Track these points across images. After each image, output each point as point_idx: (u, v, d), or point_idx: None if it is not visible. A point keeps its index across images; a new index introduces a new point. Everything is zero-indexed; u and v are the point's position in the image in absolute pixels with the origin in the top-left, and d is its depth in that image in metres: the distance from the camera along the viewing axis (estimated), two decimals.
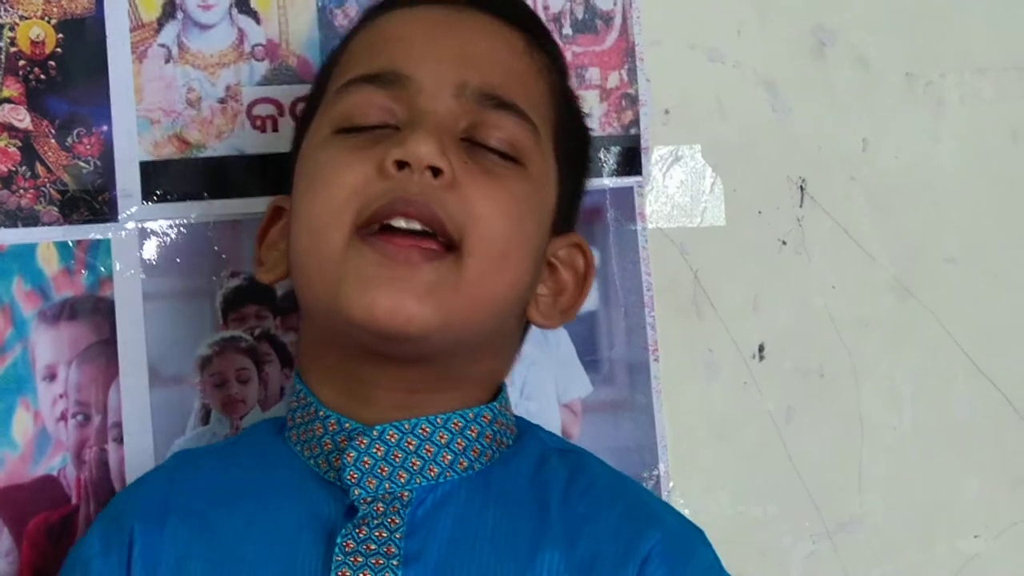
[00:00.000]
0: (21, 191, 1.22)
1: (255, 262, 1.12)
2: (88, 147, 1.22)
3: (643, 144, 1.30)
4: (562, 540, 0.99)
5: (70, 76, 1.22)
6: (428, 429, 1.01)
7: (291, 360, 1.23)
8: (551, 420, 1.22)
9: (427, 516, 0.99)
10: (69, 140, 1.22)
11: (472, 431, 1.02)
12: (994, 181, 1.35)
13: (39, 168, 1.22)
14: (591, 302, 1.24)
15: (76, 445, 1.21)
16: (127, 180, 1.22)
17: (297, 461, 1.03)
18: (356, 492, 0.98)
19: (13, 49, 1.21)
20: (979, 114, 1.35)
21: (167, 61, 1.23)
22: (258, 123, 1.24)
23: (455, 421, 1.01)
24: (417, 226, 0.97)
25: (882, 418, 1.33)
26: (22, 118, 1.21)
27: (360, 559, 0.97)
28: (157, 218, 1.23)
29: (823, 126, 1.33)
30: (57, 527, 1.20)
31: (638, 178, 1.29)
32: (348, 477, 0.99)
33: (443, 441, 1.01)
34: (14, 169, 1.21)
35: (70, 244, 1.22)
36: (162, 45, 1.23)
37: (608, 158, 1.28)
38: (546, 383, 1.18)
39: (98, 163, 1.22)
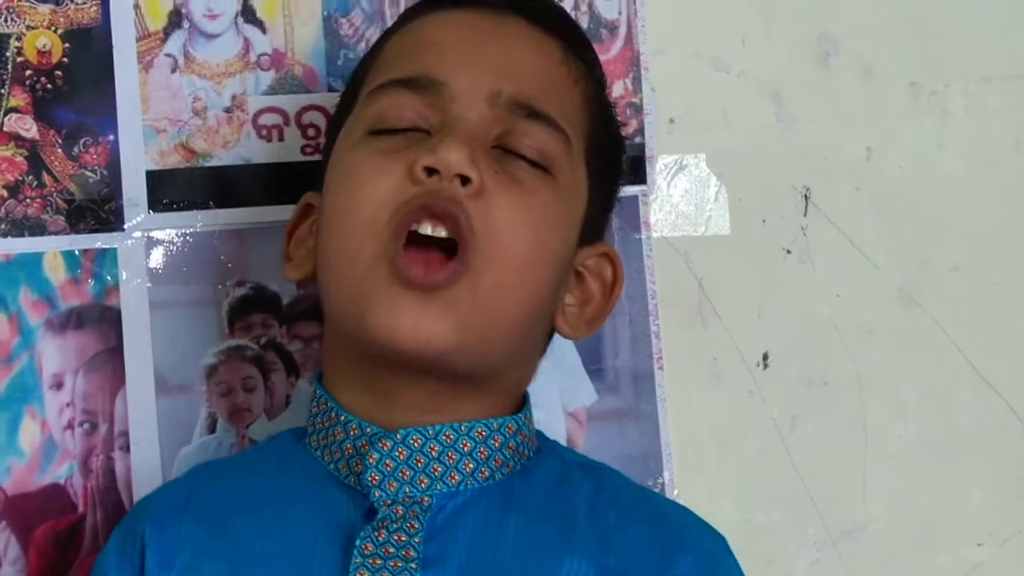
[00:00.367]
0: (28, 200, 1.21)
1: (283, 257, 1.11)
2: (94, 156, 1.22)
3: (648, 153, 1.29)
4: (593, 548, 0.99)
5: (76, 86, 1.21)
6: (452, 436, 1.00)
7: (297, 369, 1.23)
8: (556, 429, 1.22)
9: (447, 522, 0.99)
10: (76, 149, 1.21)
11: (495, 441, 1.02)
12: (998, 190, 1.36)
13: (46, 177, 1.21)
14: None
15: (83, 453, 1.20)
16: (133, 189, 1.22)
17: (317, 466, 1.03)
18: (376, 494, 0.98)
19: (20, 59, 1.21)
20: (983, 123, 1.35)
21: (173, 71, 1.23)
22: (264, 132, 1.24)
23: (479, 430, 1.01)
24: (443, 232, 0.97)
25: (886, 426, 1.33)
26: (29, 128, 1.21)
27: (379, 561, 0.96)
28: (163, 227, 1.22)
29: (827, 135, 1.33)
30: (64, 535, 1.20)
31: (643, 187, 1.29)
32: (369, 479, 0.98)
33: (466, 449, 1.01)
34: (21, 179, 1.21)
35: (77, 253, 1.21)
36: (168, 55, 1.23)
37: None
38: (551, 392, 1.17)
39: (104, 172, 1.22)
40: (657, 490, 1.26)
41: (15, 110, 1.20)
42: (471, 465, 1.00)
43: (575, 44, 1.09)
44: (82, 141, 1.21)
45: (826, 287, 1.32)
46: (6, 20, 1.20)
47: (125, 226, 1.21)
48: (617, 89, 1.26)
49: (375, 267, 0.98)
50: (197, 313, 1.22)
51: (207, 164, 1.23)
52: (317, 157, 1.19)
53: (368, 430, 1.00)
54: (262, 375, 1.23)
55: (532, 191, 1.00)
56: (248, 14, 1.24)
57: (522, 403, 1.06)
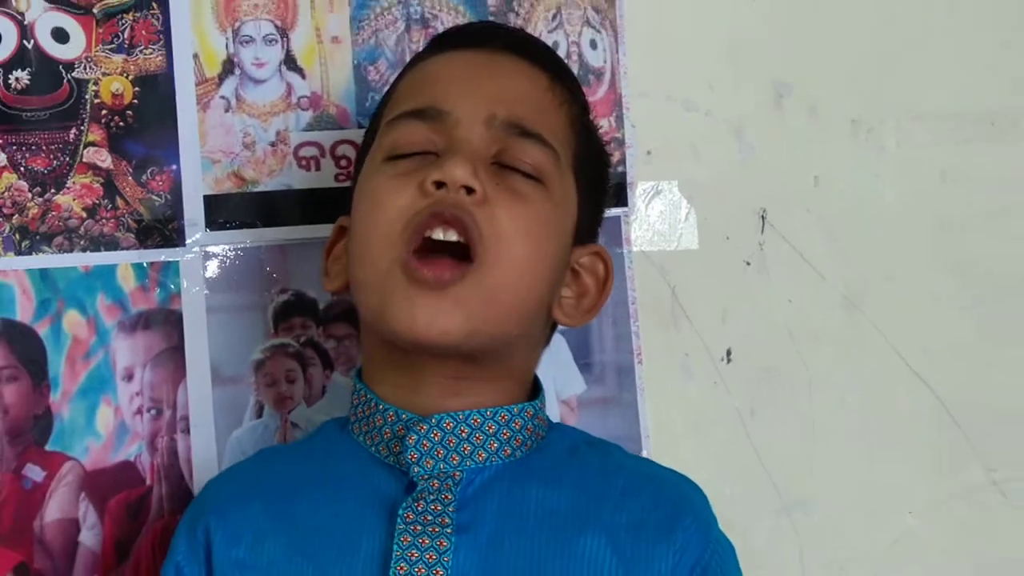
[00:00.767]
0: (103, 220, 1.25)
1: (322, 272, 1.13)
2: (160, 183, 1.25)
3: (629, 180, 1.32)
4: (607, 510, 1.01)
5: (145, 123, 1.25)
6: (479, 420, 1.03)
7: (332, 363, 1.26)
8: (552, 414, 1.21)
9: (476, 494, 1.01)
10: (144, 177, 1.25)
11: (516, 424, 1.04)
12: (927, 212, 1.37)
13: (118, 201, 1.25)
14: None
15: (150, 435, 1.24)
16: (193, 211, 1.26)
17: (360, 450, 1.05)
18: (415, 470, 1.01)
19: (97, 100, 1.25)
20: (913, 156, 1.37)
21: (226, 110, 1.26)
22: (303, 163, 1.27)
23: (502, 414, 1.04)
24: (453, 236, 1.00)
25: (832, 414, 1.35)
26: (104, 159, 1.25)
27: (419, 528, 0.99)
28: (218, 243, 1.25)
29: (781, 165, 1.35)
30: (134, 504, 1.24)
31: (624, 209, 1.31)
32: (409, 457, 1.01)
33: (491, 431, 1.03)
34: (98, 202, 1.25)
35: (144, 265, 1.25)
36: (222, 97, 1.26)
37: None
38: (547, 382, 1.16)
39: (168, 197, 1.25)
40: None
41: (93, 144, 1.25)
42: (495, 445, 1.03)
43: (560, 74, 1.11)
44: (149, 170, 1.25)
45: (780, 295, 1.35)
46: (85, 68, 1.25)
47: (186, 242, 1.25)
48: (603, 126, 1.27)
49: (393, 272, 1.00)
50: (247, 316, 1.26)
51: (255, 190, 1.26)
52: (348, 183, 1.19)
53: (404, 416, 1.03)
54: (302, 368, 1.26)
55: (528, 200, 1.03)
56: (290, 63, 1.27)
57: (534, 389, 1.09)
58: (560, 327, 1.15)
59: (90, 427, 1.24)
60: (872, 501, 1.36)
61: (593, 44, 1.32)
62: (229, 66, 1.27)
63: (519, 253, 1.01)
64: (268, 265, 1.27)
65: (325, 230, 1.16)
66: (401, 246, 1.01)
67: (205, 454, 1.25)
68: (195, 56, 1.26)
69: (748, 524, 1.33)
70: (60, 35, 1.25)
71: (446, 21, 1.29)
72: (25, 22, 1.25)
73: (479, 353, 1.03)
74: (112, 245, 1.25)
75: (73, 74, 1.25)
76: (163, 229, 1.26)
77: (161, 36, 1.26)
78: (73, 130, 1.25)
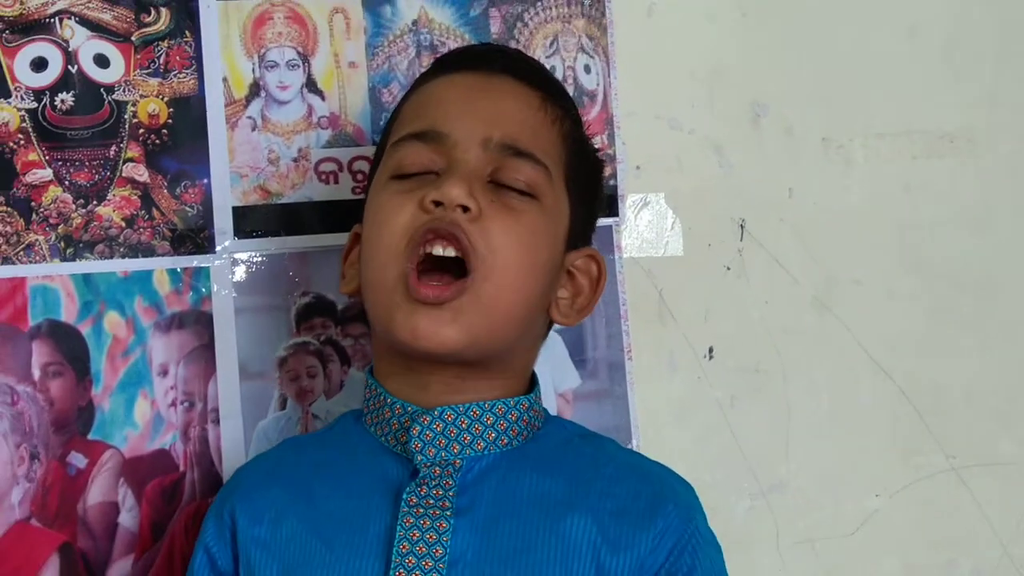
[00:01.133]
0: (141, 230, 1.28)
1: (340, 276, 1.15)
2: (192, 196, 1.28)
3: (620, 192, 1.35)
4: (595, 496, 1.02)
5: (179, 141, 1.28)
6: (478, 412, 1.05)
7: (349, 360, 1.29)
8: (549, 406, 1.21)
9: (475, 480, 1.04)
10: (178, 190, 1.28)
11: (512, 415, 1.06)
12: (890, 222, 1.40)
13: (155, 212, 1.28)
14: None
15: (183, 426, 1.27)
16: (222, 221, 1.28)
17: (372, 439, 1.08)
18: (419, 458, 1.03)
19: (134, 120, 1.28)
20: (878, 170, 1.39)
21: (253, 129, 1.29)
22: (323, 177, 1.30)
23: (499, 407, 1.06)
24: (452, 252, 1.02)
25: (804, 404, 1.38)
26: (142, 174, 1.28)
27: (421, 510, 1.02)
28: (245, 251, 1.28)
29: (758, 179, 1.38)
30: (169, 489, 1.27)
31: (616, 219, 1.34)
32: (413, 446, 1.04)
33: (489, 422, 1.05)
34: (135, 213, 1.27)
35: (178, 271, 1.27)
36: (249, 117, 1.29)
37: None
38: (545, 377, 1.17)
39: (200, 208, 1.28)
40: None
41: (131, 160, 1.27)
42: (493, 435, 1.05)
43: (553, 93, 1.12)
44: (183, 184, 1.28)
45: (758, 296, 1.38)
46: (124, 91, 1.28)
47: (216, 250, 1.28)
48: (596, 143, 1.27)
49: (396, 286, 1.03)
50: (271, 317, 1.29)
51: (279, 202, 1.29)
52: (363, 195, 1.17)
53: (409, 409, 1.05)
54: (322, 364, 1.29)
55: (521, 214, 1.05)
56: (311, 86, 1.30)
57: (531, 383, 1.11)
58: (556, 326, 1.16)
59: (129, 418, 1.27)
60: (841, 484, 1.38)
61: (587, 68, 1.35)
62: (255, 89, 1.30)
63: (512, 263, 1.03)
64: (291, 270, 1.30)
65: (343, 238, 1.19)
66: (404, 260, 1.03)
67: (233, 443, 1.28)
68: (224, 80, 1.29)
69: (728, 506, 1.36)
70: (102, 61, 1.28)
71: (453, 48, 1.31)
72: (70, 49, 1.28)
73: (479, 358, 1.06)
74: (149, 252, 1.27)
75: (113, 96, 1.28)
76: (195, 237, 1.29)
77: (193, 62, 1.29)
78: (113, 147, 1.28)
